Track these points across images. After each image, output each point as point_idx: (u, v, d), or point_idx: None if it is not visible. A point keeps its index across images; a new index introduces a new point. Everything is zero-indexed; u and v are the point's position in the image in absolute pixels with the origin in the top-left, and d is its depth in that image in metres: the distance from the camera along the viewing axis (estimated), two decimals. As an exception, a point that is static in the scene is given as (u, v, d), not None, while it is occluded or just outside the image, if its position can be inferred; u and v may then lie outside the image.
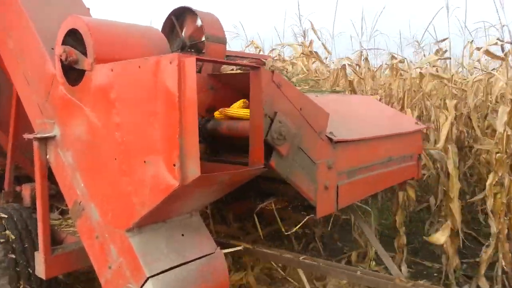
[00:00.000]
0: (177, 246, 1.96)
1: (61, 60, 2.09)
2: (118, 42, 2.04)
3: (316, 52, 5.26)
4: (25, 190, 3.30)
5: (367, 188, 2.86)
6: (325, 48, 5.50)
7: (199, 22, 3.00)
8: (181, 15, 3.09)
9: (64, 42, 2.11)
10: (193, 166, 1.56)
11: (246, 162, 2.01)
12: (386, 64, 5.71)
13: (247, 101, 2.13)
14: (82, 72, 2.06)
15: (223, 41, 2.91)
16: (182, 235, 2.02)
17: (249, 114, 1.99)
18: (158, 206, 1.74)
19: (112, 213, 1.98)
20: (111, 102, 1.87)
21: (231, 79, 2.44)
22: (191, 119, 1.54)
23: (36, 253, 2.47)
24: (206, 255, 2.02)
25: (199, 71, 2.83)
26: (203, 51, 3.01)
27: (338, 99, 3.42)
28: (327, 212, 2.47)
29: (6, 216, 2.78)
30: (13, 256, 2.61)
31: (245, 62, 2.44)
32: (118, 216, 1.94)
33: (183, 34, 3.08)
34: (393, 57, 5.22)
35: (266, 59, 4.38)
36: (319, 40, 5.48)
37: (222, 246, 2.21)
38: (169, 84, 1.56)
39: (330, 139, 2.36)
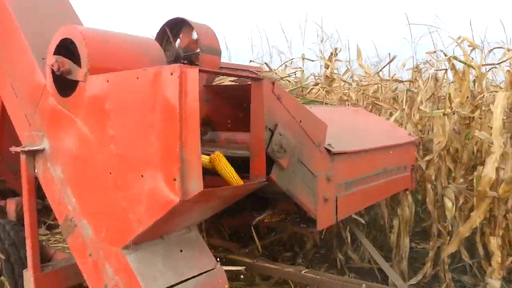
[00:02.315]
0: (175, 263, 1.88)
1: (52, 70, 2.02)
2: (113, 52, 1.98)
3: None
4: (10, 205, 3.17)
5: (364, 199, 2.84)
6: None
7: (194, 34, 2.96)
8: (175, 26, 3.04)
9: (55, 53, 2.04)
10: (195, 180, 1.50)
11: (245, 175, 1.96)
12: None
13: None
14: (73, 83, 1.99)
15: (218, 53, 2.86)
16: (181, 251, 1.95)
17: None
18: (156, 222, 1.67)
19: (106, 230, 1.89)
20: (105, 114, 1.80)
21: (227, 91, 2.40)
22: (192, 131, 1.48)
23: (24, 271, 2.36)
24: (206, 272, 1.95)
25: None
26: (196, 63, 2.97)
27: (332, 110, 3.41)
28: (327, 224, 2.43)
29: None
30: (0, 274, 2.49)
31: (245, 73, 2.41)
32: (113, 233, 1.85)
33: (177, 45, 3.04)
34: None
35: (258, 71, 4.36)
36: None
37: (221, 260, 2.14)
38: (170, 95, 1.51)
39: (329, 151, 2.34)
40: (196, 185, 1.50)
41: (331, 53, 5.02)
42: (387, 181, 3.08)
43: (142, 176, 1.66)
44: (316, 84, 5.24)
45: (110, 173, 1.81)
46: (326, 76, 4.98)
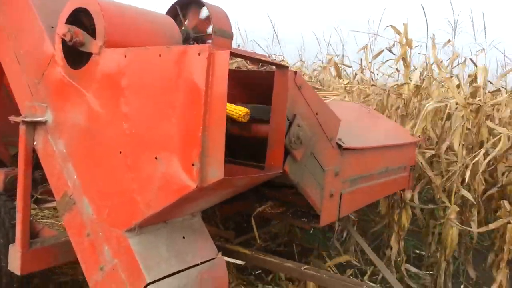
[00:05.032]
0: (178, 250, 1.83)
1: (63, 40, 1.91)
2: (131, 26, 1.88)
3: None
4: (-1, 176, 3.04)
5: (365, 197, 2.84)
6: None
7: (205, 14, 2.86)
8: (186, 5, 2.94)
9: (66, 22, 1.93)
10: (216, 167, 1.44)
11: (254, 164, 1.91)
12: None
13: None
14: (84, 55, 1.89)
15: (230, 36, 2.79)
16: (183, 237, 1.90)
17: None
18: (166, 207, 1.61)
19: (109, 210, 1.82)
20: (120, 90, 1.72)
21: (245, 76, 2.32)
22: (218, 116, 1.42)
23: (11, 246, 2.26)
24: (207, 261, 1.90)
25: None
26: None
27: (338, 105, 3.37)
28: (329, 220, 2.41)
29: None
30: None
31: (271, 60, 2.34)
32: (116, 215, 1.78)
33: (186, 24, 2.94)
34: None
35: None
36: None
37: (220, 250, 2.10)
38: (196, 76, 1.44)
39: (340, 146, 2.31)
40: (216, 172, 1.44)
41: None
42: (387, 180, 3.08)
43: (156, 158, 1.60)
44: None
45: (120, 152, 1.73)
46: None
